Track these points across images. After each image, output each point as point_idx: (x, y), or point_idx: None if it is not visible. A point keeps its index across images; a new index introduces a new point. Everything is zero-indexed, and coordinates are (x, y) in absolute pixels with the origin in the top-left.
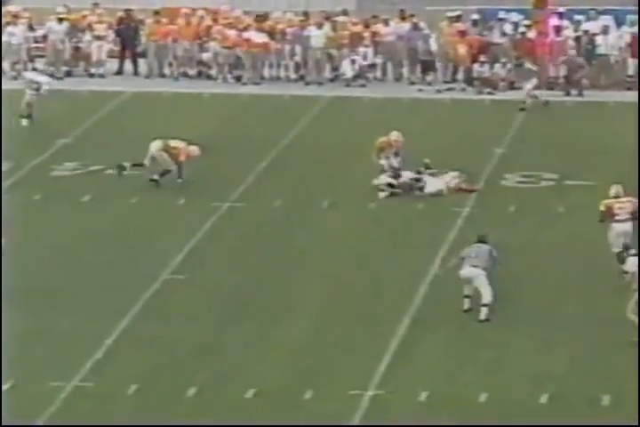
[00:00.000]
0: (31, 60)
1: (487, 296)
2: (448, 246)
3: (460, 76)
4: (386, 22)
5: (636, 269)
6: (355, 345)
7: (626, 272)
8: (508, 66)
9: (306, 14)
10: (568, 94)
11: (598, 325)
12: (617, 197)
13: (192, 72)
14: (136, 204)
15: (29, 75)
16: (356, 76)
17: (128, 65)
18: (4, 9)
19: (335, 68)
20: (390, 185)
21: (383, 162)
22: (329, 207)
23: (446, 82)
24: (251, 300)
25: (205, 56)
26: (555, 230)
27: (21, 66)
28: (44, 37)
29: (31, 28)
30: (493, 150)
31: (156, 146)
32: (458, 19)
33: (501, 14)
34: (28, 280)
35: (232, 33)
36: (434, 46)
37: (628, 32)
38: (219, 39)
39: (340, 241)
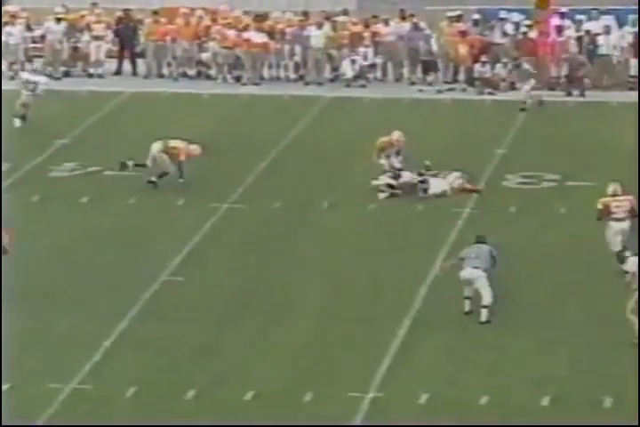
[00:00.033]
0: (29, 60)
1: (487, 298)
2: (448, 248)
3: (461, 76)
4: (386, 22)
5: (636, 269)
6: (355, 347)
7: (626, 272)
8: (509, 66)
9: (305, 14)
10: (570, 94)
11: (600, 326)
12: (615, 195)
13: (191, 72)
14: (134, 205)
15: (25, 75)
16: (357, 77)
17: (127, 65)
18: (1, 9)
19: (335, 69)
20: (390, 186)
21: (384, 162)
22: (329, 208)
23: (447, 82)
24: (250, 301)
25: (204, 56)
26: (556, 231)
27: (19, 66)
28: (42, 37)
29: (29, 28)
30: (494, 151)
31: (156, 147)
32: (458, 19)
33: (502, 14)
34: (26, 281)
35: (231, 33)
36: (435, 47)
37: (630, 32)
38: (218, 39)
39: (340, 242)
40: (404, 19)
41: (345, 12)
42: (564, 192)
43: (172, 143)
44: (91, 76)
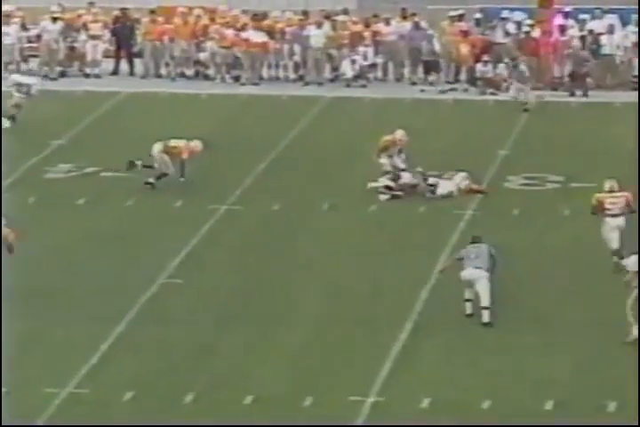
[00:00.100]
0: (24, 60)
1: (486, 299)
2: (450, 250)
3: (463, 76)
4: (387, 21)
5: (636, 268)
6: (355, 350)
7: (626, 271)
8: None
9: (305, 13)
10: (573, 95)
11: (603, 329)
12: (611, 191)
13: (189, 72)
14: (132, 206)
15: (15, 77)
16: (357, 77)
17: (124, 65)
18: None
19: (335, 68)
20: (388, 188)
21: (385, 161)
22: (329, 210)
23: (449, 82)
24: (249, 304)
25: (203, 56)
26: (560, 234)
27: (14, 66)
28: (38, 37)
29: (24, 28)
30: (497, 152)
31: (156, 148)
32: (460, 18)
33: (504, 13)
34: (23, 284)
35: (230, 32)
36: (437, 46)
37: (633, 31)
38: (216, 39)
39: (341, 244)
40: (405, 18)
41: (345, 12)
42: (567, 194)
43: (172, 143)
44: (87, 76)
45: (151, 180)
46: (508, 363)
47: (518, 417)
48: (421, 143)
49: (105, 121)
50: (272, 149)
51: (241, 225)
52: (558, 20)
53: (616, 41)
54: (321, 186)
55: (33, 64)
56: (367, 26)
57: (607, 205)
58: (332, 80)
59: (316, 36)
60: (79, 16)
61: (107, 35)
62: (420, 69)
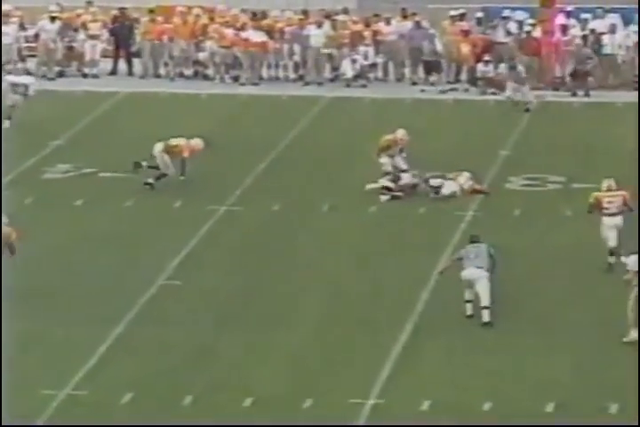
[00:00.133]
0: (22, 59)
1: (487, 299)
2: (451, 251)
3: (464, 76)
4: (387, 21)
5: (636, 267)
6: (355, 352)
7: (626, 270)
8: (507, 66)
9: (305, 13)
10: (575, 95)
11: (605, 330)
12: (609, 190)
13: (188, 72)
14: (131, 207)
15: (10, 78)
16: (357, 76)
17: (122, 65)
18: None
19: (335, 68)
20: (387, 188)
21: (385, 161)
22: (329, 210)
23: (449, 82)
24: (249, 305)
25: (202, 56)
26: (561, 235)
27: (12, 66)
28: (36, 37)
29: (22, 27)
30: (498, 152)
31: (157, 148)
32: (461, 17)
33: (506, 13)
34: (20, 285)
35: (229, 32)
36: (439, 46)
37: (635, 31)
38: (216, 38)
39: (341, 245)
40: (405, 17)
41: (345, 11)
42: (569, 195)
43: (173, 142)
44: (85, 76)
45: (150, 180)
46: (509, 364)
47: (519, 419)
48: (422, 144)
49: (103, 121)
50: (272, 150)
51: (240, 226)
52: (560, 20)
53: (618, 40)
54: (321, 186)
55: (31, 64)
56: (367, 25)
57: (605, 204)
58: (332, 80)
59: (316, 35)
60: (77, 15)
61: (105, 34)
62: (421, 69)
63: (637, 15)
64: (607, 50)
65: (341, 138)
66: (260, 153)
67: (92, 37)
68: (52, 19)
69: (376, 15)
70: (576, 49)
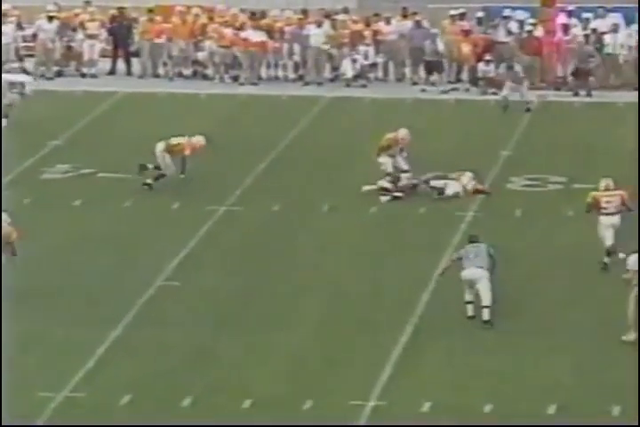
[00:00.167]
0: (20, 59)
1: (487, 298)
2: (452, 252)
3: (465, 75)
4: (387, 20)
5: (637, 266)
6: (355, 353)
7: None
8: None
9: (305, 12)
10: (576, 95)
11: (606, 330)
12: (607, 190)
13: (187, 72)
14: (129, 207)
15: (7, 77)
16: (357, 76)
17: (121, 64)
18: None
19: (335, 68)
20: (385, 189)
21: (385, 160)
22: (329, 211)
23: (450, 82)
24: (248, 306)
25: (201, 55)
26: (562, 235)
27: (9, 66)
28: (34, 36)
29: (20, 27)
30: (499, 152)
31: (159, 147)
32: (462, 17)
33: (507, 12)
34: (20, 285)
35: (228, 31)
36: (441, 46)
37: (637, 30)
38: (215, 38)
39: (341, 246)
40: (405, 17)
41: (345, 10)
42: (570, 195)
43: (174, 141)
44: (84, 75)
45: (149, 180)
46: (509, 365)
47: (520, 420)
48: (422, 144)
49: (102, 121)
50: (272, 150)
51: (240, 226)
52: (561, 19)
53: (620, 40)
54: (321, 186)
55: (29, 64)
56: (367, 25)
57: (603, 204)
58: (332, 80)
59: (316, 35)
60: (76, 15)
61: (104, 34)
62: (421, 69)
63: (638, 15)
64: (609, 49)
65: (341, 138)
66: (260, 153)
67: (91, 37)
68: (50, 18)
69: (376, 15)
70: (578, 47)
